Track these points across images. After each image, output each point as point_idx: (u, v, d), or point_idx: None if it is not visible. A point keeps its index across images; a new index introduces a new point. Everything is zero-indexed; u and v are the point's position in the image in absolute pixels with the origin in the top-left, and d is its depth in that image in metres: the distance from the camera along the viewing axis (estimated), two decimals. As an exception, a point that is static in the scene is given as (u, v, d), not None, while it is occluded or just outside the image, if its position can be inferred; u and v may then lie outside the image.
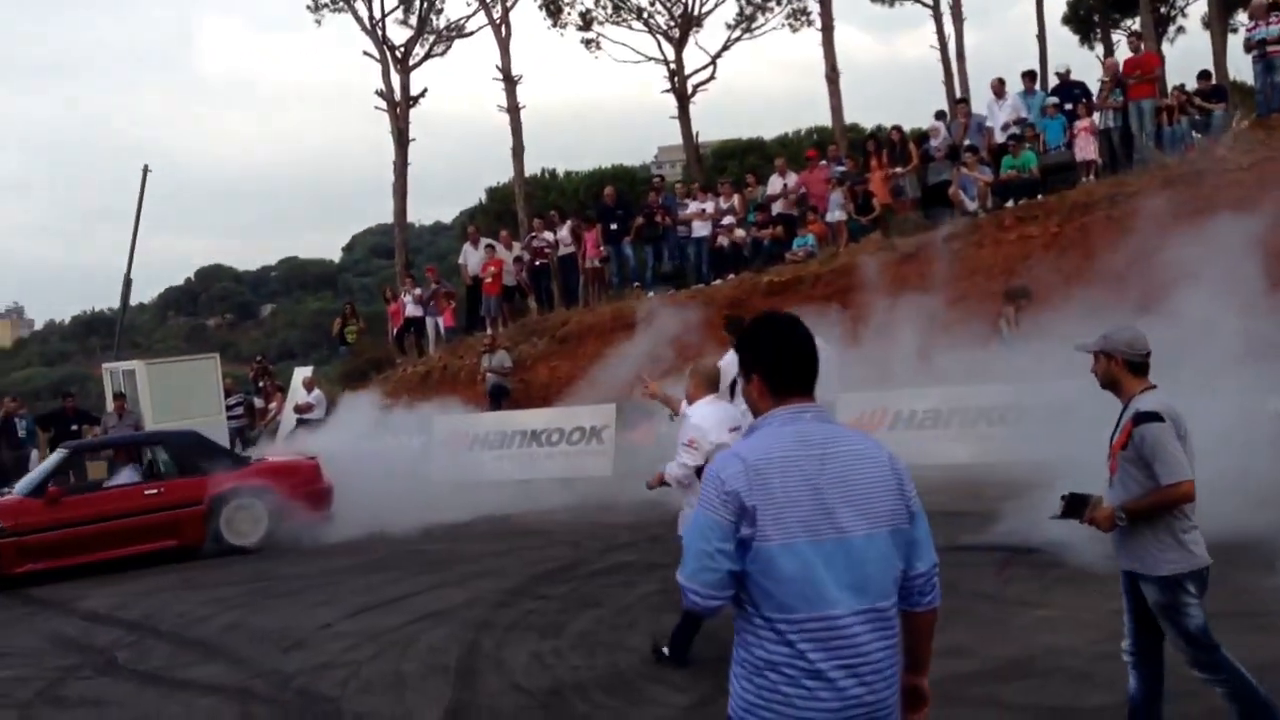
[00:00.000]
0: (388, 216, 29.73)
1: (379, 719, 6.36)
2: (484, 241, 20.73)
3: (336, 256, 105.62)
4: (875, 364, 13.66)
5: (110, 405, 17.90)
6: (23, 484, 12.83)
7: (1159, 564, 4.52)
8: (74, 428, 17.25)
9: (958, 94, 23.92)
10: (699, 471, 6.23)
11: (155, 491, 12.37)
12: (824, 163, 18.55)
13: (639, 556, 10.03)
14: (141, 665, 8.06)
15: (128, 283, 27.14)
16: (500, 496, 13.77)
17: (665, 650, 6.77)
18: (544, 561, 10.14)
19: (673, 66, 26.26)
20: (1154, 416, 4.49)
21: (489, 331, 19.36)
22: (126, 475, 12.98)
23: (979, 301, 14.82)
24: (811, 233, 17.30)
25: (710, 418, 6.66)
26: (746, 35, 27.13)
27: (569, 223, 19.87)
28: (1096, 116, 16.16)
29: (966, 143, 16.97)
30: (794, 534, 2.72)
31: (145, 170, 25.59)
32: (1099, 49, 30.43)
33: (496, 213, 32.47)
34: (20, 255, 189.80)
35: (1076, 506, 4.71)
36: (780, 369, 2.91)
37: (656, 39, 26.57)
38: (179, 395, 17.80)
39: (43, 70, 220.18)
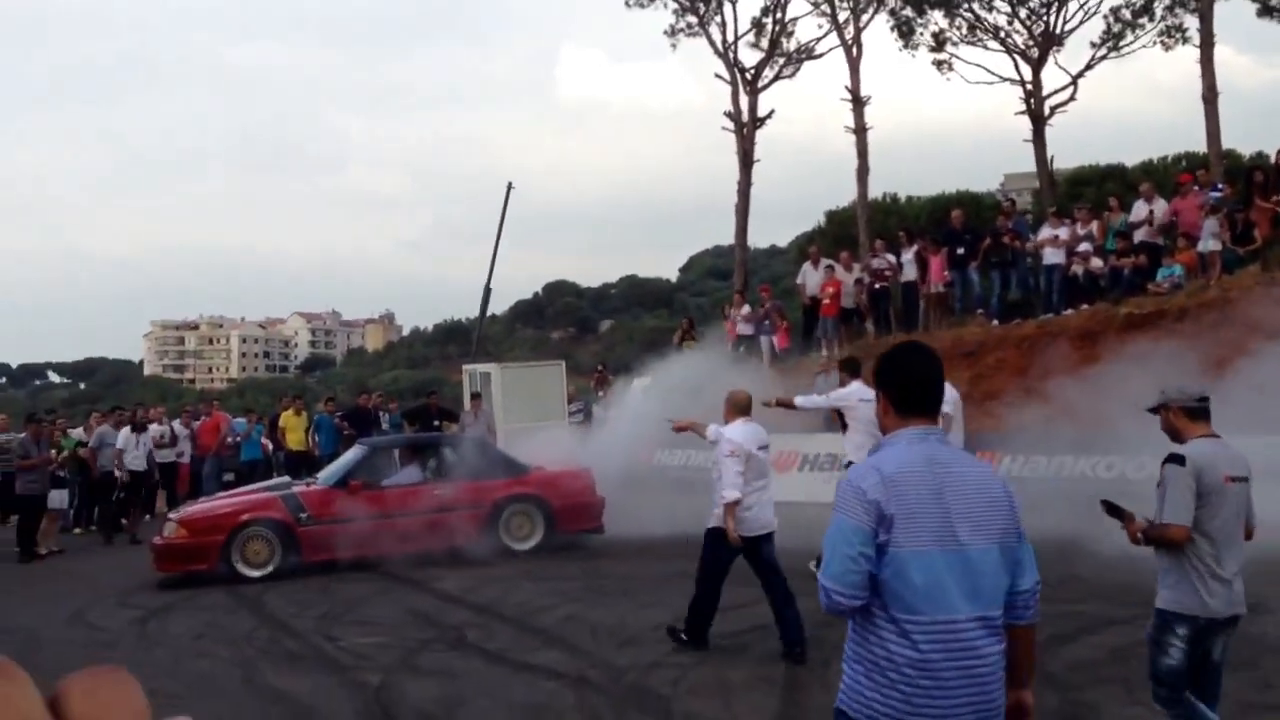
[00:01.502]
0: (725, 238, 30.35)
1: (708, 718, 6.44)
2: (824, 262, 20.68)
3: (674, 276, 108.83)
4: (1244, 406, 12.48)
5: (468, 404, 19.18)
6: (325, 475, 13.56)
7: (1159, 594, 4.84)
8: (436, 423, 18.54)
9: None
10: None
11: (443, 492, 12.86)
12: (1196, 188, 17.18)
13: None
14: (488, 645, 8.57)
15: (487, 292, 29.00)
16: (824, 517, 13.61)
17: (683, 635, 8.07)
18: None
19: (1029, 87, 25.20)
20: (1177, 459, 4.73)
21: (824, 353, 19.26)
22: (408, 474, 13.41)
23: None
24: (1180, 263, 16.05)
25: (743, 434, 8.04)
26: (1113, 54, 25.61)
27: (914, 246, 19.45)
28: None
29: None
30: (925, 542, 3.02)
31: (509, 187, 27.13)
32: None
33: (835, 236, 32.27)
34: (396, 266, 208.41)
35: (1115, 510, 4.96)
36: (907, 392, 3.24)
37: (1013, 58, 25.59)
38: (528, 398, 18.84)
39: (424, 101, 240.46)
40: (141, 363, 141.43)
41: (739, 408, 8.33)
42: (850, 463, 9.79)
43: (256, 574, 12.02)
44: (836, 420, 11.79)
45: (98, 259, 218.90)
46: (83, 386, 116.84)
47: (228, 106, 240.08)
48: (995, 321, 17.75)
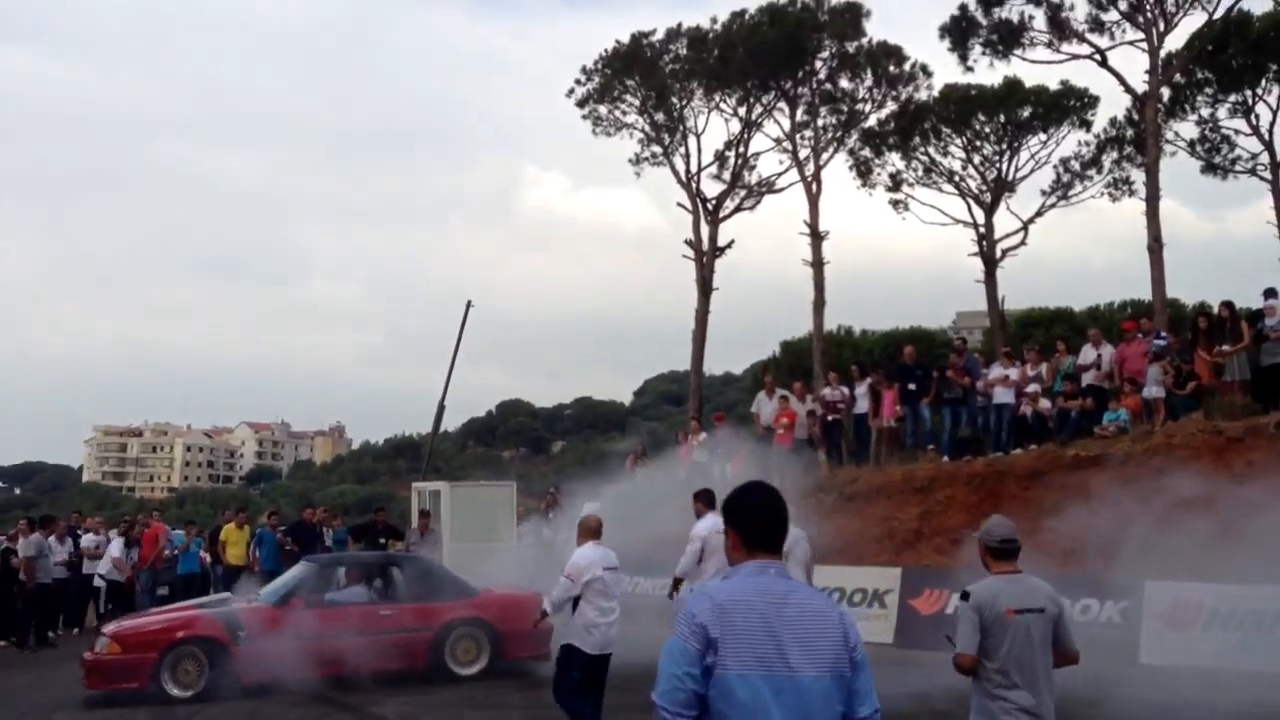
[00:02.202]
0: (680, 364, 30.66)
1: None
2: (779, 392, 20.83)
3: (628, 399, 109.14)
4: (1181, 552, 12.61)
5: (415, 522, 18.90)
6: (266, 592, 13.20)
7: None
8: (382, 541, 18.23)
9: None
10: (575, 603, 8.64)
11: (389, 613, 12.59)
12: (1140, 335, 17.59)
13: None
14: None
15: (441, 409, 28.88)
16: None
17: None
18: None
19: (982, 230, 25.97)
20: (963, 596, 5.37)
21: (777, 482, 19.24)
22: (353, 594, 13.05)
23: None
24: (1125, 407, 16.33)
25: (588, 557, 8.73)
26: (1062, 202, 26.48)
27: (868, 379, 19.67)
28: None
29: (1307, 324, 15.65)
30: (749, 666, 3.18)
31: (468, 306, 27.26)
32: None
33: (789, 366, 32.63)
34: (350, 378, 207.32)
35: (952, 641, 5.40)
36: (752, 529, 3.46)
37: (967, 202, 26.43)
38: (478, 517, 18.63)
39: (383, 213, 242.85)
40: (81, 468, 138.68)
41: (589, 531, 9.02)
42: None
43: (185, 694, 11.57)
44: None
45: (40, 360, 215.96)
46: (18, 491, 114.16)
47: (185, 212, 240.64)
48: (945, 458, 17.87)
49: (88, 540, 18.64)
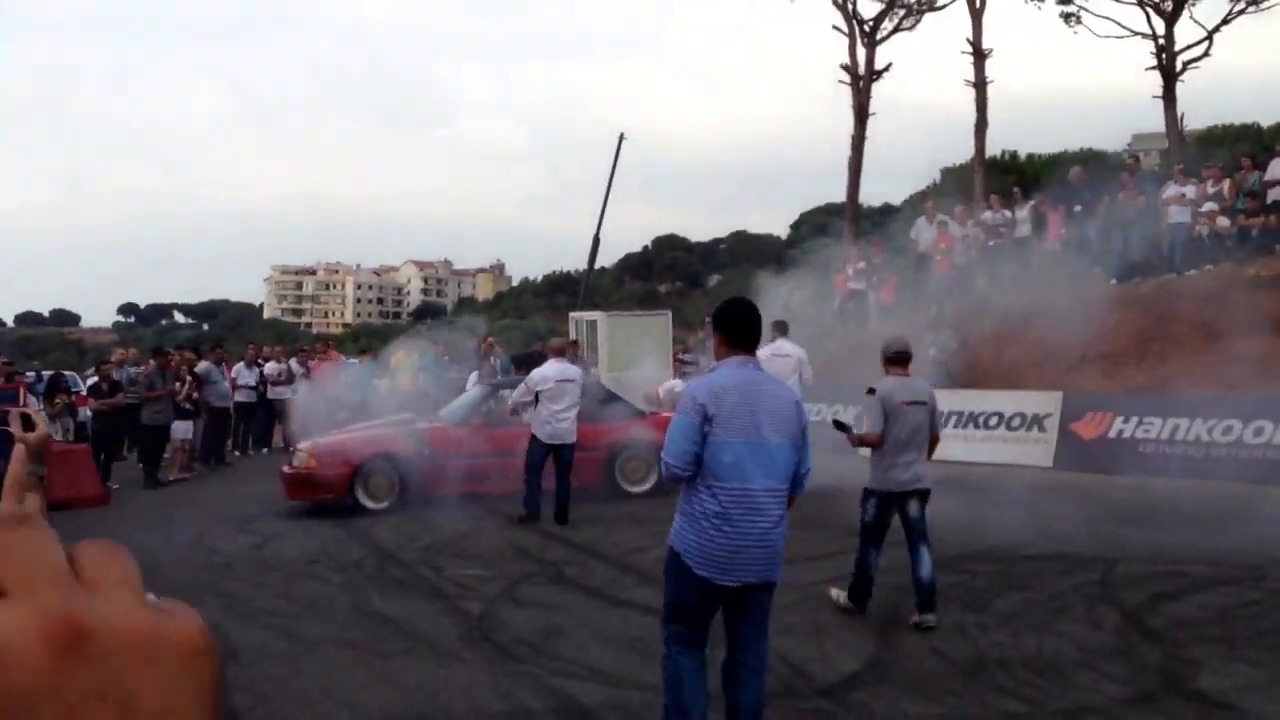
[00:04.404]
0: (837, 196, 29.94)
1: (800, 657, 6.50)
2: (939, 217, 20.33)
3: (784, 233, 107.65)
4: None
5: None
6: (449, 413, 13.70)
7: (869, 477, 7.35)
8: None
9: None
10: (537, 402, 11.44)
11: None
12: (1334, 148, 16.42)
13: (1073, 547, 9.48)
14: (586, 581, 8.74)
15: (596, 242, 29.17)
16: (935, 474, 13.44)
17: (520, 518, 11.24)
18: (973, 542, 9.76)
19: (1161, 42, 24.29)
20: (870, 390, 7.27)
21: (934, 309, 18.97)
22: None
23: None
24: (1312, 224, 15.40)
25: (544, 371, 11.52)
26: (1252, 8, 24.46)
27: (1030, 202, 18.98)
28: None
29: None
30: (734, 434, 4.51)
31: (620, 138, 27.21)
32: None
33: (951, 193, 31.65)
34: (508, 218, 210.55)
35: (841, 425, 7.34)
36: (734, 332, 4.73)
37: (1146, 11, 24.67)
38: (633, 346, 18.96)
39: (538, 53, 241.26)
40: (262, 306, 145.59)
41: (554, 350, 11.99)
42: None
43: (379, 506, 12.38)
44: None
45: (221, 202, 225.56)
46: (206, 327, 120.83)
47: (343, 55, 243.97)
48: (1114, 281, 17.24)
49: (270, 368, 19.76)
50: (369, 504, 12.41)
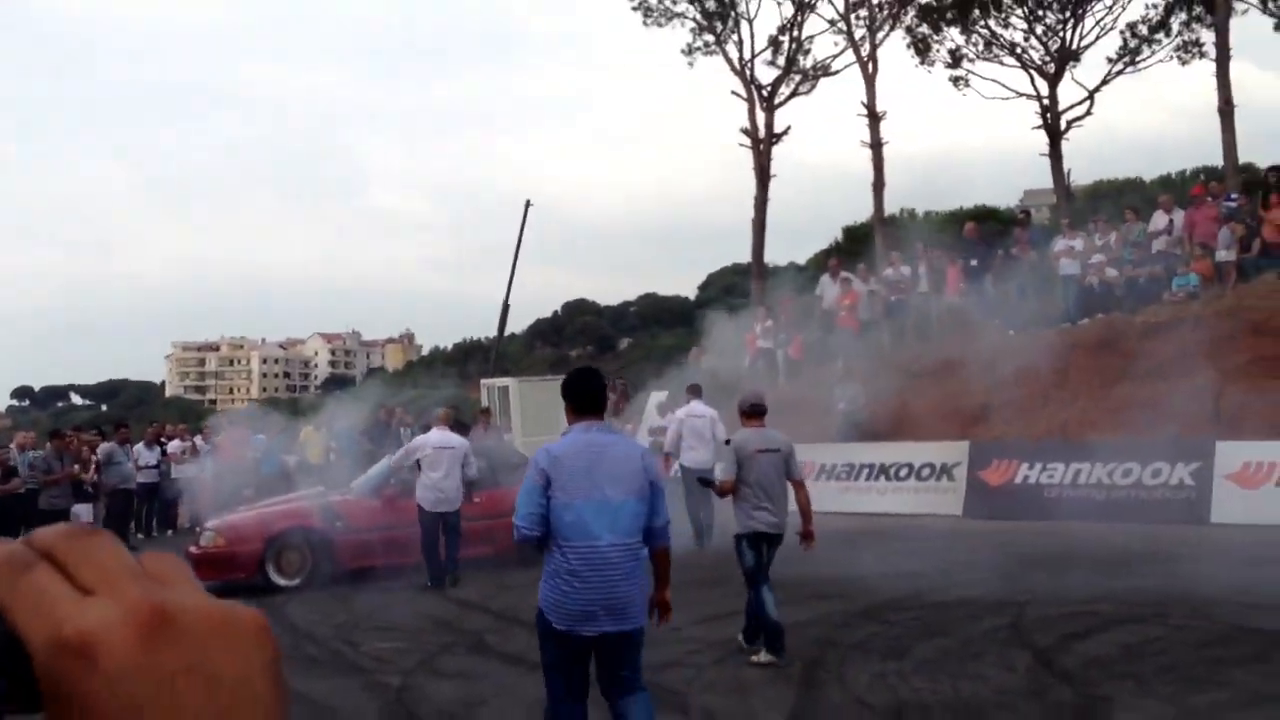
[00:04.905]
0: (742, 256, 30.41)
1: (725, 713, 6.51)
2: (842, 274, 20.77)
3: (692, 294, 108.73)
4: (1270, 413, 12.55)
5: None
6: (360, 485, 13.35)
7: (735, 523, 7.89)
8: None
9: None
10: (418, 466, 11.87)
11: (477, 501, 12.54)
12: (1210, 199, 17.20)
13: (985, 592, 9.68)
14: (506, 648, 8.66)
15: (505, 308, 29.25)
16: (847, 526, 13.66)
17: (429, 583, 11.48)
18: (889, 591, 9.95)
19: (1046, 102, 25.32)
20: (726, 442, 8.21)
21: (840, 364, 19.30)
22: None
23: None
24: (1196, 272, 16.07)
25: (423, 439, 12.14)
26: (1130, 69, 25.68)
27: (929, 257, 19.52)
28: None
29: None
30: (574, 495, 4.82)
31: (527, 204, 27.50)
32: None
33: (852, 252, 32.40)
34: (417, 286, 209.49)
35: (706, 481, 8.70)
36: (578, 399, 5.11)
37: (1030, 74, 25.73)
38: (546, 411, 18.93)
39: (444, 123, 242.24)
40: (163, 384, 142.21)
41: (439, 420, 12.24)
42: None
43: (291, 583, 12.07)
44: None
45: (118, 280, 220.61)
46: (104, 408, 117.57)
47: (246, 130, 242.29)
48: (1012, 332, 17.75)
49: (174, 446, 19.34)
50: (281, 581, 12.08)
